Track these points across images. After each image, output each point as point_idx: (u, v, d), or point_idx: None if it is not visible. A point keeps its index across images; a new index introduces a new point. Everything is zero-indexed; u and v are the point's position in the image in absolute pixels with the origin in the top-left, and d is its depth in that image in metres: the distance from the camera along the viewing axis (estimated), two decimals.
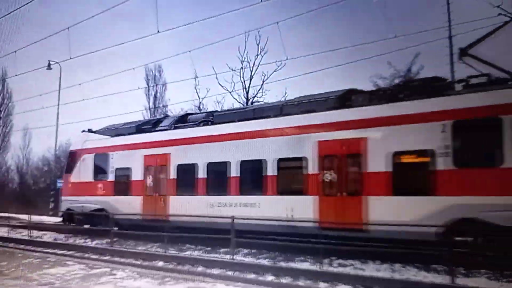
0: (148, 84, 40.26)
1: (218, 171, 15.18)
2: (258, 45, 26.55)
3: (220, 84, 26.46)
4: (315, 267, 10.54)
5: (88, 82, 30.04)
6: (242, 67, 26.67)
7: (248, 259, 12.00)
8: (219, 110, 19.37)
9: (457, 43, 16.83)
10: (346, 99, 13.22)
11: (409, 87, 12.89)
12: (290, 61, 17.86)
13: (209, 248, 13.59)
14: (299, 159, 13.28)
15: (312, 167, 12.96)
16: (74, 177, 20.03)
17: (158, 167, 16.99)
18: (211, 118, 16.83)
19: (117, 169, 18.30)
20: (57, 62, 30.88)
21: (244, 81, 27.26)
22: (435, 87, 11.67)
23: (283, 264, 11.26)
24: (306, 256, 11.55)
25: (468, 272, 9.44)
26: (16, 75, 26.72)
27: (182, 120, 17.85)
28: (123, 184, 18.02)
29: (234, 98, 27.27)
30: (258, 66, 26.78)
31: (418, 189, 11.25)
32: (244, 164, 14.60)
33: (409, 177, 11.57)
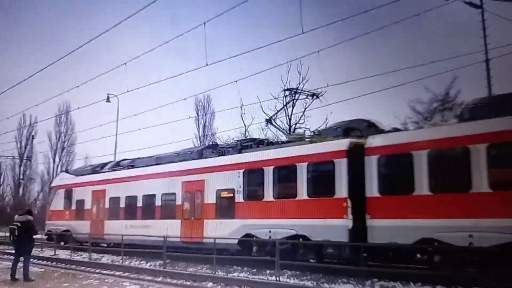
0: (197, 114, 42.23)
1: (132, 202, 20.92)
2: (300, 74, 27.33)
3: (264, 112, 27.28)
4: None
5: (144, 113, 31.43)
6: (284, 95, 27.35)
7: (293, 281, 12.34)
8: (141, 157, 23.82)
9: (494, 67, 16.94)
10: (202, 152, 19.16)
11: (231, 146, 18.70)
12: (330, 88, 18.18)
13: (254, 270, 14.03)
14: (173, 194, 18.85)
15: (179, 200, 18.54)
16: (52, 206, 26.65)
17: (100, 199, 22.93)
18: (133, 163, 23.06)
19: (77, 200, 24.44)
20: (115, 95, 32.86)
21: (287, 109, 27.91)
22: (243, 146, 17.53)
23: (326, 285, 11.53)
24: (348, 278, 11.78)
25: None
26: (78, 107, 29.14)
27: (117, 164, 24.57)
28: (80, 212, 24.11)
29: (275, 126, 27.95)
30: (300, 94, 27.28)
31: (228, 214, 16.41)
32: (144, 197, 20.36)
33: (223, 206, 16.85)
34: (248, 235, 15.35)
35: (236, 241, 15.53)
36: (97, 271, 15.66)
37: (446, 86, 21.66)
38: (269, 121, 19.52)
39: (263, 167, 15.43)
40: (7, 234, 15.10)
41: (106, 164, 25.59)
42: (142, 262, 17.75)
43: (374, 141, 12.91)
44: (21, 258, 13.18)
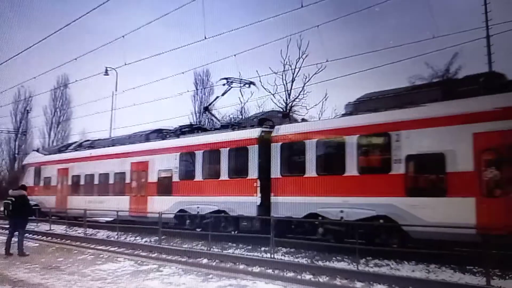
0: (196, 88, 41.47)
1: (90, 180, 23.41)
2: (299, 48, 26.90)
3: (263, 87, 26.89)
4: (351, 267, 10.83)
5: (141, 87, 31.16)
6: (284, 70, 27.12)
7: (287, 258, 12.40)
8: (101, 138, 27.06)
9: (495, 43, 16.79)
10: (148, 136, 21.35)
11: (172, 131, 21.02)
12: (330, 63, 18.15)
13: (250, 247, 14.09)
14: (123, 173, 21.18)
15: (128, 178, 20.99)
16: (23, 182, 25.44)
17: (64, 176, 25.57)
18: (93, 144, 25.66)
19: (44, 177, 27.26)
20: (113, 68, 32.37)
21: (286, 84, 27.68)
22: (182, 132, 20.15)
23: (320, 263, 11.59)
24: (343, 256, 11.83)
25: (504, 273, 9.47)
26: (76, 80, 29.66)
27: (80, 145, 27.30)
28: (47, 188, 26.86)
29: (274, 102, 27.83)
30: (299, 69, 27.12)
31: (167, 191, 18.55)
32: (100, 175, 22.68)
33: (163, 185, 18.89)
34: (182, 210, 17.66)
35: (172, 215, 17.83)
36: (92, 246, 15.66)
37: (447, 62, 21.65)
38: (206, 109, 23.29)
39: (194, 151, 17.79)
40: (1, 209, 15.09)
41: (71, 144, 29.21)
42: (137, 238, 17.82)
43: (278, 131, 15.27)
44: (16, 233, 13.17)
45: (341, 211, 12.86)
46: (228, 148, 16.44)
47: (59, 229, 21.22)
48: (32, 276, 9.89)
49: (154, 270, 11.13)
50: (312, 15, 18.30)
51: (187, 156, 18.13)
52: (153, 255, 13.84)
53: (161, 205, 18.10)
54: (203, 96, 42.68)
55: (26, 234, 14.44)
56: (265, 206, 14.92)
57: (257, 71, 25.54)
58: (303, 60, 26.58)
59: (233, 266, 11.82)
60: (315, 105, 26.68)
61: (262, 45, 19.79)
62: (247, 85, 20.19)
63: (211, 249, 13.81)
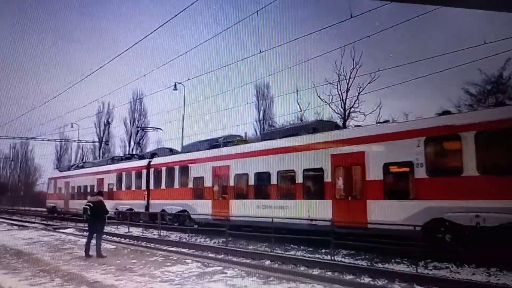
0: (258, 99, 42.93)
1: (81, 190, 34.99)
2: (353, 59, 27.44)
3: (319, 97, 27.94)
4: (410, 269, 10.72)
5: (206, 99, 34.08)
6: (339, 80, 27.84)
7: (347, 260, 12.48)
8: (91, 161, 42.83)
9: None
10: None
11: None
12: (384, 72, 18.44)
13: (311, 249, 14.28)
14: (92, 185, 32.68)
15: (89, 189, 32.95)
16: (49, 191, 42.75)
17: (69, 187, 37.38)
18: (84, 165, 38.85)
19: (58, 187, 39.58)
20: (181, 83, 34.90)
21: (341, 94, 28.22)
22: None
23: (380, 265, 11.56)
24: (402, 258, 11.71)
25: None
26: (145, 95, 37.33)
27: (77, 166, 39.95)
28: (60, 195, 38.80)
29: (332, 109, 28.69)
30: (354, 79, 27.65)
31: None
32: (86, 186, 34.08)
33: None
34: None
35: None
36: (164, 248, 16.57)
37: (500, 68, 21.92)
38: (142, 128, 41.03)
39: (121, 173, 29.66)
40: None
41: (72, 165, 42.99)
42: (207, 240, 18.58)
43: (153, 161, 26.56)
44: (95, 236, 14.30)
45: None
46: (134, 171, 27.84)
47: (136, 231, 22.59)
48: (107, 278, 10.73)
49: (218, 272, 11.59)
50: (364, 25, 18.27)
51: (122, 176, 29.48)
52: (219, 257, 14.40)
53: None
54: (266, 106, 44.03)
55: (104, 236, 15.60)
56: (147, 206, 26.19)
57: (313, 82, 26.70)
58: (357, 70, 27.13)
59: (294, 268, 12.08)
60: (371, 112, 27.12)
61: (316, 56, 20.26)
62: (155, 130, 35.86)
63: (274, 250, 14.18)
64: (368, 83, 26.11)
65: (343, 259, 12.59)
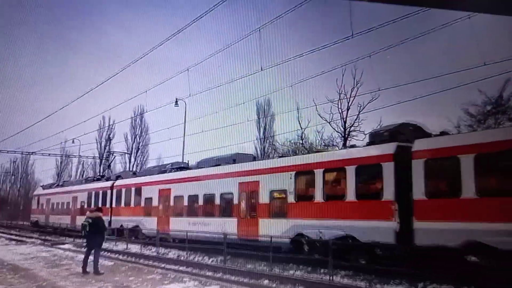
0: (258, 117, 43.04)
1: (62, 206, 38.66)
2: (354, 78, 27.71)
3: (319, 115, 28.06)
4: None
5: (207, 116, 34.38)
6: (339, 99, 28.02)
7: (346, 281, 12.38)
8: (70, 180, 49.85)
9: None
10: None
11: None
12: (384, 91, 18.71)
13: (309, 268, 14.19)
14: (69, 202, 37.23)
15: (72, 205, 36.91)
16: (33, 206, 47.08)
17: (50, 203, 41.17)
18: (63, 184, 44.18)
19: (41, 203, 43.78)
20: (182, 99, 34.83)
21: (342, 112, 28.43)
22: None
23: (378, 286, 11.48)
24: (401, 280, 11.63)
25: None
26: (146, 111, 36.74)
27: (58, 185, 44.57)
28: (42, 210, 43.07)
29: (332, 128, 28.75)
30: (354, 98, 27.86)
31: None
32: (62, 203, 38.50)
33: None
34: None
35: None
36: (162, 265, 16.49)
37: (500, 88, 22.08)
38: (109, 166, 48.68)
39: (99, 191, 31.99)
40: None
41: (53, 183, 47.81)
42: (204, 258, 18.47)
43: (116, 182, 30.47)
44: (92, 252, 14.25)
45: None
46: (101, 191, 31.58)
47: (135, 248, 22.46)
48: None
49: None
50: (364, 44, 18.53)
51: (92, 195, 33.15)
52: (217, 275, 14.32)
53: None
54: (266, 123, 44.02)
55: (103, 253, 15.54)
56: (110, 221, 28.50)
57: (313, 100, 26.88)
58: (357, 89, 27.33)
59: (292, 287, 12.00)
60: (372, 131, 27.28)
61: (316, 75, 20.51)
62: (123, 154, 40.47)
63: (273, 270, 14.10)
64: (369, 102, 26.25)
65: (341, 280, 12.50)
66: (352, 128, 28.23)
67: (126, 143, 58.57)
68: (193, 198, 22.18)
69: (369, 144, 15.23)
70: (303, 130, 30.83)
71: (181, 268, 16.00)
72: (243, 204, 19.27)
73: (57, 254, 19.78)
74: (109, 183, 31.01)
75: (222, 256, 16.61)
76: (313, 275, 13.36)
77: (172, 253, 20.48)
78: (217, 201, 20.53)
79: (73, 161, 65.19)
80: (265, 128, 43.30)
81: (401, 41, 16.80)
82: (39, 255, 19.19)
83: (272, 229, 16.83)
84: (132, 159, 58.88)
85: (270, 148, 38.67)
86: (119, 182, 30.22)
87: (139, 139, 58.75)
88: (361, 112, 27.34)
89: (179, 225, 22.25)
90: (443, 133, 14.30)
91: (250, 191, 18.90)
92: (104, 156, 57.50)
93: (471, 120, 23.48)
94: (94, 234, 14.19)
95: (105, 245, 17.33)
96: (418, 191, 12.46)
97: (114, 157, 50.53)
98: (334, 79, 28.13)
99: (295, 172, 16.79)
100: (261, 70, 17.56)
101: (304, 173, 16.62)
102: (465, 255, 11.96)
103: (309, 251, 15.67)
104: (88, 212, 15.16)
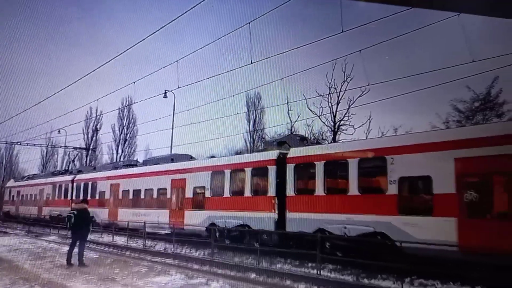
0: (248, 110, 42.85)
1: (29, 197, 41.11)
2: (344, 72, 27.56)
3: (309, 109, 28.07)
4: (396, 286, 10.64)
5: (197, 108, 35.65)
6: (329, 93, 27.98)
7: (333, 275, 12.36)
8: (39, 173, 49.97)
9: None
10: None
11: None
12: (373, 86, 18.78)
13: (297, 262, 14.15)
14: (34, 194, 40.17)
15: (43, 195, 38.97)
16: (5, 197, 48.69)
17: (20, 195, 43.23)
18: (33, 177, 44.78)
19: (12, 195, 45.53)
20: (171, 91, 34.45)
21: (332, 106, 28.42)
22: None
23: (365, 281, 11.47)
24: (388, 274, 11.63)
25: None
26: (134, 102, 35.57)
27: (28, 177, 45.51)
28: (13, 202, 44.93)
29: (322, 122, 28.87)
30: (344, 92, 27.80)
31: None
32: (27, 195, 41.53)
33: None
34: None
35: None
36: (148, 258, 16.32)
37: (488, 86, 22.47)
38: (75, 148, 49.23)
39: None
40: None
41: (25, 176, 48.63)
42: (192, 251, 18.34)
43: (77, 176, 32.77)
44: (77, 244, 14.04)
45: None
46: (63, 184, 34.45)
47: (121, 240, 22.20)
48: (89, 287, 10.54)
49: (202, 284, 11.46)
50: (355, 39, 18.47)
51: (56, 187, 35.58)
52: (204, 268, 14.21)
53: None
54: (256, 116, 43.82)
55: (88, 245, 15.33)
56: None
57: (303, 94, 26.84)
58: (347, 83, 27.34)
59: (279, 281, 11.94)
60: (361, 125, 27.45)
61: (307, 69, 20.57)
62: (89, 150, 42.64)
63: (260, 263, 14.03)
64: (358, 96, 26.27)
65: (329, 274, 12.48)
66: (342, 122, 28.23)
67: (114, 134, 57.97)
68: (137, 192, 25.45)
69: (263, 150, 19.90)
70: (293, 123, 30.89)
71: (167, 261, 15.87)
72: (173, 198, 22.53)
73: (41, 246, 19.52)
74: (70, 177, 34.07)
75: (210, 249, 16.50)
76: (301, 269, 13.33)
77: (159, 246, 20.31)
78: (155, 195, 23.81)
79: (58, 152, 64.23)
80: (255, 121, 43.22)
81: (390, 38, 16.77)
82: (23, 247, 18.90)
83: (193, 219, 20.31)
84: (120, 150, 58.34)
85: (259, 141, 38.47)
86: (79, 176, 33.30)
87: (127, 130, 58.18)
88: (351, 107, 27.35)
89: (125, 216, 25.13)
90: (318, 143, 18.89)
91: (179, 187, 22.11)
92: (91, 147, 56.91)
93: (459, 116, 23.76)
94: (79, 226, 13.99)
95: (90, 237, 17.09)
96: (290, 189, 16.04)
97: (78, 153, 52.44)
98: (324, 73, 27.97)
99: (211, 171, 20.00)
100: (251, 63, 17.46)
101: (217, 173, 19.71)
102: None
103: (219, 237, 18.42)
104: (73, 204, 14.93)
